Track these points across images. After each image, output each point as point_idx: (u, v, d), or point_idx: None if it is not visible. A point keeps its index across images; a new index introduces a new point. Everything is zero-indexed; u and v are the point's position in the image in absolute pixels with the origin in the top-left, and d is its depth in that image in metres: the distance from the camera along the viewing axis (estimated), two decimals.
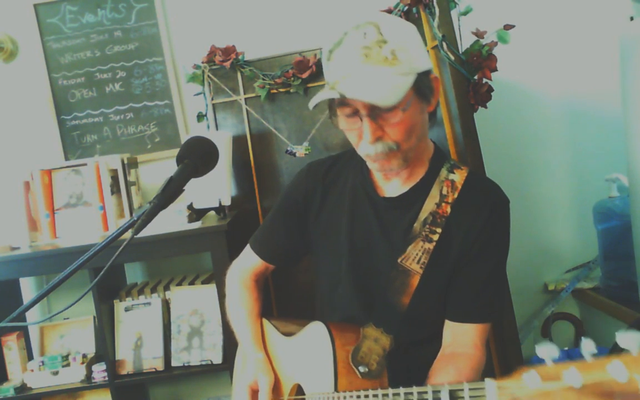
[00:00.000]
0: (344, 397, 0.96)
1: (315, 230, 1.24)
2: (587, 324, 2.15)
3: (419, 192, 1.13)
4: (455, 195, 1.11)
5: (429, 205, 1.12)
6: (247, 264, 1.34)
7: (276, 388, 1.17)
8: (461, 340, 1.11)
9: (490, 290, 1.13)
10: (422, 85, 1.03)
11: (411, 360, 1.13)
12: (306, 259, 1.33)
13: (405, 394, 0.83)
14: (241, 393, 1.19)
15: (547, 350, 0.52)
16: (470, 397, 0.71)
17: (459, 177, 1.14)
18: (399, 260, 1.10)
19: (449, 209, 1.11)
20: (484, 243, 1.10)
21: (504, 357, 1.59)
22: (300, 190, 1.26)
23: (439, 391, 0.75)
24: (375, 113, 1.00)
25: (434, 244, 1.09)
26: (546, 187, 2.19)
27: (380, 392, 0.89)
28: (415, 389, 0.81)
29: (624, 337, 0.48)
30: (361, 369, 1.01)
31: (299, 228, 1.26)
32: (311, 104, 1.01)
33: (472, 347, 1.10)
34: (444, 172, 1.14)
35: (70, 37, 2.20)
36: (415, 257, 1.10)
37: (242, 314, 1.28)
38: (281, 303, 2.09)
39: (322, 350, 1.04)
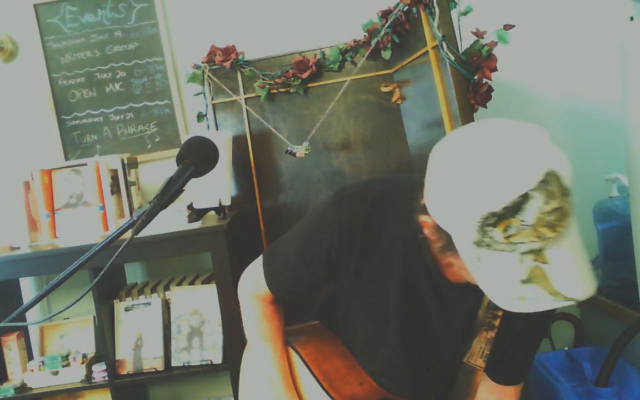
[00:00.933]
0: None
1: (352, 284, 1.07)
2: (587, 324, 2.15)
3: None
4: None
5: None
6: (261, 289, 1.18)
7: None
8: None
9: (537, 347, 1.08)
10: None
11: None
12: None
13: None
14: None
15: None
16: None
17: None
18: (465, 360, 1.01)
19: None
20: (543, 316, 1.00)
21: None
22: (334, 242, 1.04)
23: None
24: None
25: (495, 331, 0.98)
26: None
27: None
28: None
29: None
30: None
31: (327, 277, 1.10)
32: (529, 310, 0.77)
33: None
34: None
35: (70, 37, 2.20)
36: (479, 352, 1.00)
37: (266, 348, 1.17)
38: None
39: None
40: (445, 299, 1.01)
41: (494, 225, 0.73)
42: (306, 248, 1.09)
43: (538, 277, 0.74)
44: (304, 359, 1.17)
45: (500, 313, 0.98)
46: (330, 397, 1.11)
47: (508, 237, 0.73)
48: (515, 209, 0.71)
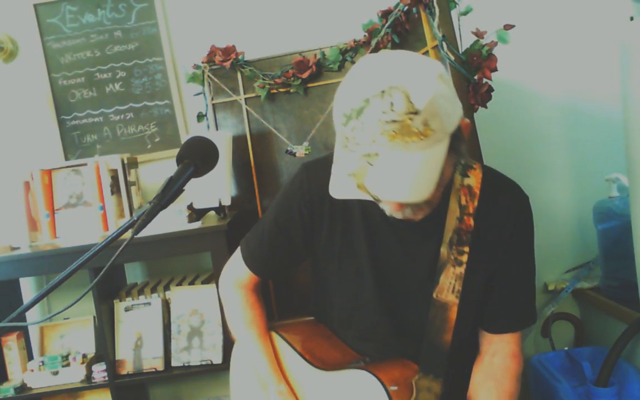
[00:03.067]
0: None
1: (327, 248, 1.13)
2: (587, 324, 2.15)
3: (438, 211, 1.03)
4: (476, 204, 1.04)
5: (451, 223, 1.04)
6: (242, 275, 1.23)
7: None
8: (500, 351, 1.09)
9: (527, 295, 1.10)
10: (456, 141, 0.90)
11: (460, 388, 1.11)
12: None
13: None
14: None
15: None
16: None
17: (474, 180, 1.06)
18: (434, 296, 1.04)
19: (472, 222, 1.03)
20: (515, 251, 1.06)
21: None
22: (304, 201, 1.12)
23: None
24: None
25: (464, 266, 1.03)
26: (546, 187, 2.19)
27: None
28: None
29: None
30: None
31: (303, 242, 1.15)
32: (338, 195, 0.88)
33: (511, 358, 1.08)
34: (457, 178, 1.06)
35: (70, 37, 2.20)
36: (449, 287, 1.04)
37: (251, 335, 1.20)
38: (280, 302, 2.09)
39: None
40: (408, 243, 1.07)
41: (345, 124, 0.86)
42: (279, 214, 1.16)
43: (359, 173, 0.84)
44: (287, 340, 1.19)
45: (466, 249, 1.03)
46: (313, 365, 1.13)
47: (353, 136, 0.85)
48: (358, 111, 0.83)
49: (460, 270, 1.03)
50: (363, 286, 1.11)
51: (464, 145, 0.94)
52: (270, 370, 1.15)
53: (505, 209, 1.06)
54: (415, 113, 0.81)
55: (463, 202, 1.04)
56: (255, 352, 1.18)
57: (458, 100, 0.92)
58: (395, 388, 0.99)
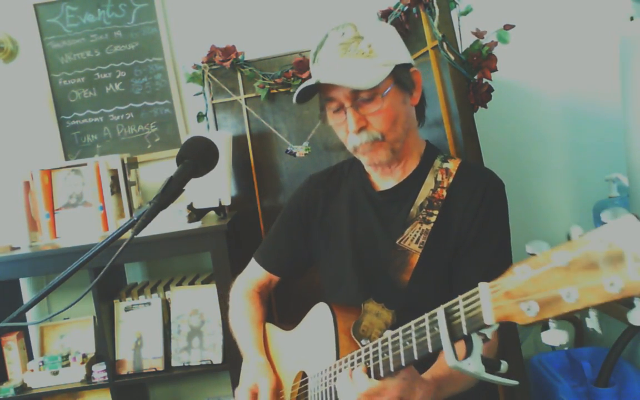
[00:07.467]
0: (345, 361, 0.97)
1: (319, 236, 1.29)
2: (587, 324, 2.15)
3: (413, 182, 1.18)
4: (450, 180, 1.16)
5: (425, 192, 1.16)
6: (250, 276, 1.39)
7: (278, 390, 1.18)
8: None
9: (497, 272, 1.12)
10: (402, 77, 1.11)
11: None
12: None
13: (404, 331, 0.82)
14: (242, 397, 1.19)
15: (537, 246, 0.56)
16: (466, 306, 0.71)
17: (452, 165, 1.18)
18: (397, 242, 1.14)
19: (444, 193, 1.15)
20: (483, 223, 1.11)
21: (503, 357, 1.58)
22: (302, 198, 1.33)
23: (434, 314, 0.76)
24: (357, 103, 1.08)
25: (432, 224, 1.13)
26: (546, 187, 2.19)
27: (379, 340, 0.88)
28: (412, 323, 0.81)
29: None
30: (363, 342, 1.01)
31: (302, 236, 1.32)
32: (294, 97, 1.10)
33: None
34: (437, 162, 1.19)
35: (70, 37, 2.20)
36: (413, 238, 1.13)
37: (243, 322, 1.32)
38: (281, 306, 2.09)
39: (325, 328, 1.07)
40: (384, 215, 1.19)
41: (314, 61, 1.13)
42: (285, 213, 1.37)
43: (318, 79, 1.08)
44: (276, 324, 1.31)
45: (436, 212, 1.13)
46: (290, 330, 1.24)
47: (318, 67, 1.11)
48: (321, 44, 1.12)
49: (427, 227, 1.13)
50: (344, 263, 1.22)
51: (415, 92, 1.15)
52: (253, 347, 1.26)
53: (476, 186, 1.15)
54: (361, 38, 1.08)
55: (439, 178, 1.17)
56: (244, 334, 1.31)
57: (406, 49, 1.16)
58: None
